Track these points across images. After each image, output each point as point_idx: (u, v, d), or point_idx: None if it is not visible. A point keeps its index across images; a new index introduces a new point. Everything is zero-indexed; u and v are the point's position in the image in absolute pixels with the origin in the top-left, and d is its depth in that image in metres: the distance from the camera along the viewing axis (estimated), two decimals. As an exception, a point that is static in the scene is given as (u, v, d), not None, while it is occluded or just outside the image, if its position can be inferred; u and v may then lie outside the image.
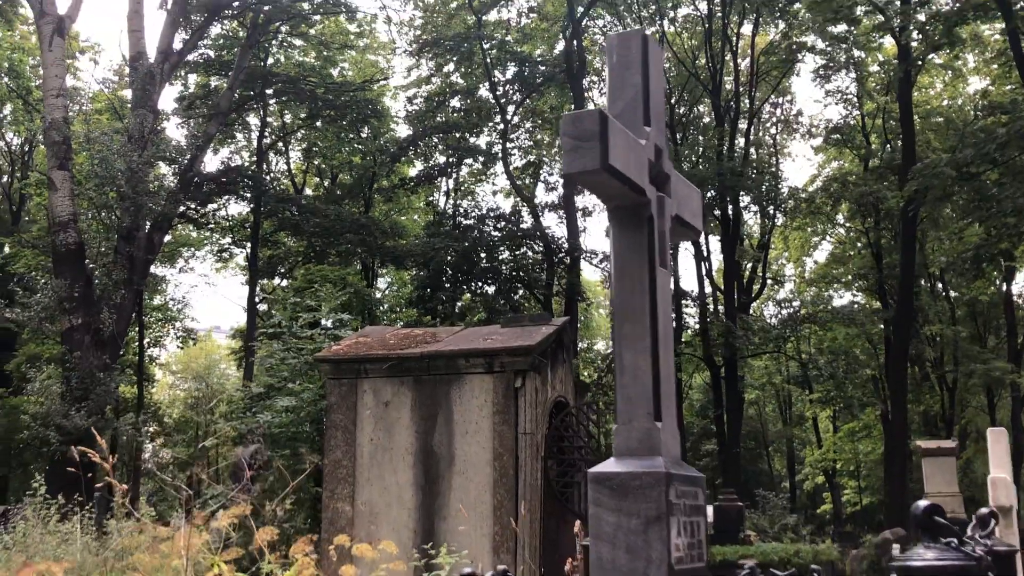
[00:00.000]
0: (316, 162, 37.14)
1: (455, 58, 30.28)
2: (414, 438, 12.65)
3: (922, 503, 4.09)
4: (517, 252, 28.09)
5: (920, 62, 25.29)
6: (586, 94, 31.44)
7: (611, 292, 4.17)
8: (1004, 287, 38.20)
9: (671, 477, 3.80)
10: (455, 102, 32.01)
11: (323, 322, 17.86)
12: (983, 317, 41.65)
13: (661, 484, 3.76)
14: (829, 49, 32.84)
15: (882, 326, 34.01)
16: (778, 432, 50.14)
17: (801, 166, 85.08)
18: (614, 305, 4.13)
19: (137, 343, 31.34)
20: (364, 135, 33.12)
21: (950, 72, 34.70)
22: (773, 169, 35.50)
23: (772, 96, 35.78)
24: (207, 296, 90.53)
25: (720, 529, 22.18)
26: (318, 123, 32.32)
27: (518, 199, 33.83)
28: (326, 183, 37.04)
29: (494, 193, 34.62)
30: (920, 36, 22.84)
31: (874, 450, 42.33)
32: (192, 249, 36.22)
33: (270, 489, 11.86)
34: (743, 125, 34.85)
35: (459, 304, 27.72)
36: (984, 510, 6.69)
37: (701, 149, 36.93)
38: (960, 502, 23.08)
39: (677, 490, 3.84)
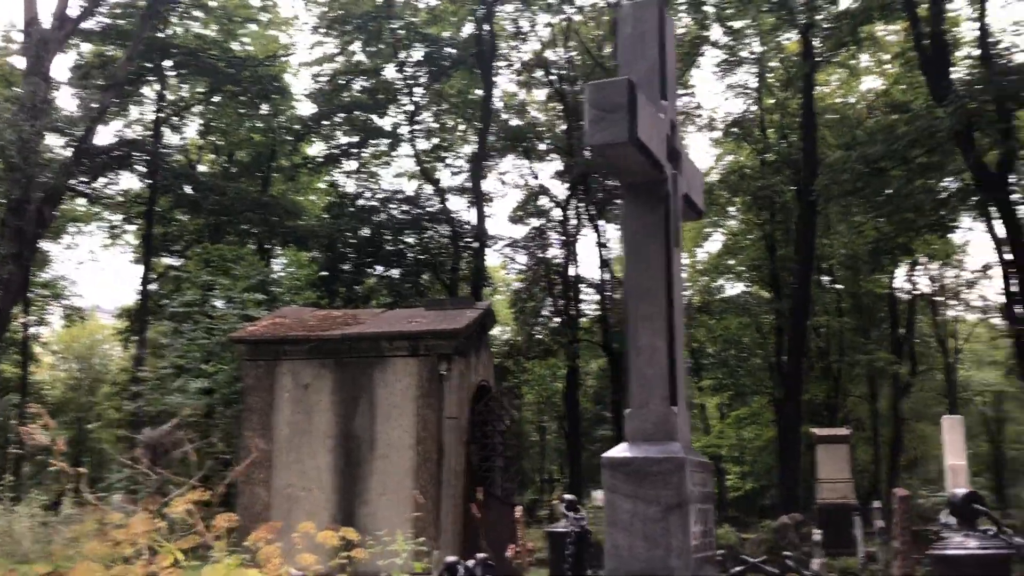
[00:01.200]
0: (212, 138, 36.02)
1: (364, 37, 29.67)
2: (335, 421, 12.36)
3: (960, 490, 4.01)
4: (423, 236, 27.77)
5: (822, 60, 25.90)
6: (494, 78, 31.25)
7: (625, 270, 4.04)
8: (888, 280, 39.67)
9: (689, 463, 3.71)
10: (361, 82, 31.40)
11: (216, 303, 17.27)
12: (867, 310, 43.04)
13: (681, 470, 3.66)
14: (733, 44, 33.38)
15: (774, 316, 34.86)
16: (668, 419, 51.03)
17: (698, 158, 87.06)
18: (628, 284, 4.02)
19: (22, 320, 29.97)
20: (263, 112, 32.25)
21: (845, 70, 35.63)
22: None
23: (682, 86, 36.22)
24: (90, 273, 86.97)
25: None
26: (217, 98, 31.30)
27: (421, 182, 33.53)
28: (222, 160, 35.98)
29: (396, 175, 34.20)
30: (825, 34, 23.36)
31: (759, 436, 43.44)
32: (80, 225, 34.75)
33: (186, 474, 11.38)
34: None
35: (362, 287, 27.26)
36: (569, 496, 6.95)
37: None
38: (852, 488, 23.85)
39: (693, 477, 3.75)
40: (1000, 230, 20.23)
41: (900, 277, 41.28)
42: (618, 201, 34.53)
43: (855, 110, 36.41)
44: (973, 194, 20.96)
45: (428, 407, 12.10)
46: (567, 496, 7.71)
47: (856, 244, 23.56)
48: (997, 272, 36.32)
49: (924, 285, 44.22)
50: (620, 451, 3.85)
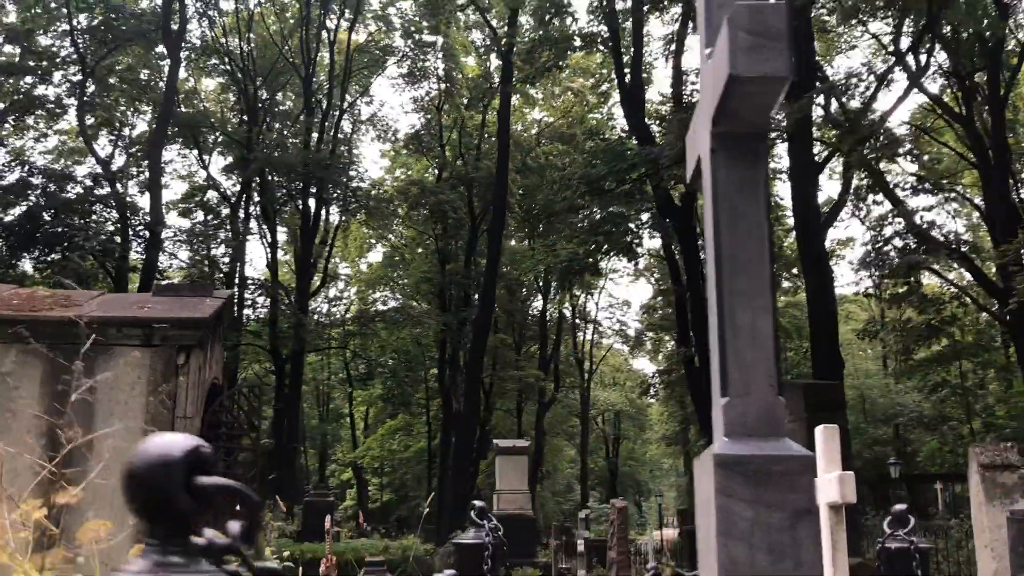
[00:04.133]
0: None
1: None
2: (44, 419, 10.51)
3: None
4: (88, 220, 24.99)
5: (526, 80, 26.54)
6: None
7: (715, 238, 3.50)
8: (542, 302, 41.66)
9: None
10: (14, 46, 27.78)
11: None
12: (519, 328, 44.82)
13: (809, 470, 3.21)
14: (421, 57, 33.55)
15: (441, 329, 35.27)
16: (316, 428, 50.21)
17: (371, 167, 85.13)
18: (719, 254, 3.49)
19: None
20: None
21: (520, 98, 36.90)
22: (354, 167, 35.46)
23: (360, 95, 35.83)
24: None
25: (309, 525, 21.42)
26: None
27: (70, 163, 30.42)
28: None
29: (46, 153, 30.42)
30: (526, 58, 23.94)
31: (408, 448, 43.87)
32: None
33: None
34: (326, 121, 34.43)
35: (15, 271, 24.00)
36: (900, 507, 6.75)
37: (274, 136, 35.93)
38: (528, 499, 24.43)
39: (810, 479, 3.30)
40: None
41: (552, 300, 43.42)
42: (298, 204, 33.38)
43: (526, 137, 37.86)
44: (659, 223, 22.36)
45: (161, 405, 10.65)
46: (477, 503, 6.89)
47: (548, 263, 24.34)
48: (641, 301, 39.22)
49: (568, 309, 46.91)
50: (727, 447, 3.30)
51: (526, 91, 35.04)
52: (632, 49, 21.82)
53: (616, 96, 28.20)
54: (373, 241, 44.17)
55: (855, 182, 20.46)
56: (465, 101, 34.28)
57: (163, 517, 1.39)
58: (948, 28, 21.24)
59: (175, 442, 1.39)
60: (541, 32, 22.88)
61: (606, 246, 21.50)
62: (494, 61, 34.74)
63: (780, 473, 3.22)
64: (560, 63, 23.23)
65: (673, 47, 21.91)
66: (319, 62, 34.24)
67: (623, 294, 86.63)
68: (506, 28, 26.15)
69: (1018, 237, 19.86)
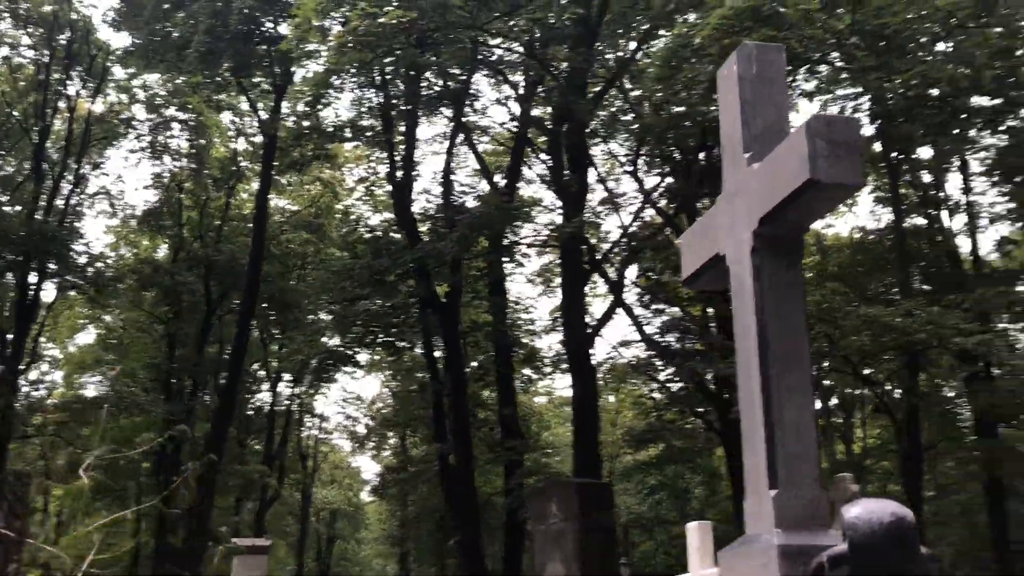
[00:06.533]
0: None
1: None
2: None
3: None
4: None
5: (292, 167, 25.97)
6: None
7: (760, 335, 3.58)
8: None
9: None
10: None
11: None
12: (244, 420, 43.09)
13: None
14: (166, 132, 32.48)
15: (169, 418, 33.36)
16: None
17: (96, 243, 79.39)
18: (768, 351, 3.59)
19: None
20: None
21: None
22: (82, 241, 33.19)
23: (95, 167, 33.94)
24: None
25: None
26: None
27: None
28: None
29: None
30: (292, 145, 23.65)
31: (111, 547, 40.67)
32: None
33: None
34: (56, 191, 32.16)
35: None
36: None
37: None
38: (260, 602, 23.23)
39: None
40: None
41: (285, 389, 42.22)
42: (11, 276, 30.63)
43: (271, 223, 37.06)
44: (422, 318, 22.50)
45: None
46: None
47: (308, 353, 23.67)
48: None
49: (295, 403, 45.68)
50: (786, 538, 3.36)
51: (275, 178, 34.47)
52: (404, 146, 22.09)
53: (374, 190, 28.34)
54: (86, 321, 41.27)
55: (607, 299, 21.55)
56: (211, 181, 33.15)
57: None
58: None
59: (902, 509, 1.30)
60: (308, 122, 22.64)
61: (370, 339, 21.32)
62: (243, 144, 34.05)
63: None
64: (327, 153, 23.06)
65: (445, 148, 22.42)
66: (52, 128, 32.14)
67: (356, 388, 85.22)
68: (267, 115, 25.77)
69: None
